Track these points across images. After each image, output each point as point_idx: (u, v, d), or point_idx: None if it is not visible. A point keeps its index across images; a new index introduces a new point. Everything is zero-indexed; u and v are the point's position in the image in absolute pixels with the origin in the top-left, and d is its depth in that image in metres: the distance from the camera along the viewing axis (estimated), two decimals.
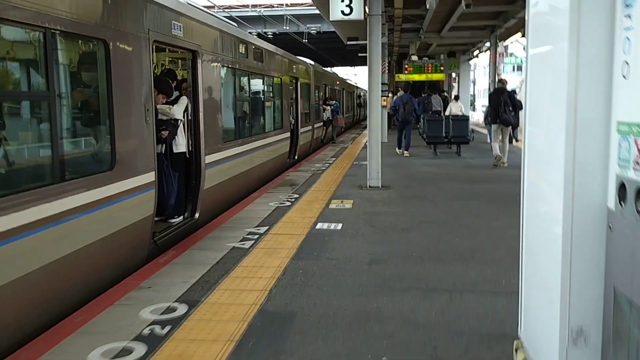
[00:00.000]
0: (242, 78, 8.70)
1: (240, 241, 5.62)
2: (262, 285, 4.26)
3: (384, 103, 17.91)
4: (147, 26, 5.02)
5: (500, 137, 11.86)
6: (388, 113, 18.33)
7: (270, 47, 10.71)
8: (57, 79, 3.86)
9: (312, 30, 25.44)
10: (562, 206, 2.24)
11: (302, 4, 25.23)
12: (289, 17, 24.15)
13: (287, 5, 24.63)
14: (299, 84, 13.38)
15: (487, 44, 22.69)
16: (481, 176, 10.32)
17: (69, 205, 3.85)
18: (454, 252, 5.22)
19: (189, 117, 6.42)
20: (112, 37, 4.39)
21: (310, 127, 15.24)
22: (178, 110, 6.30)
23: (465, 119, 14.35)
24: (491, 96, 12.38)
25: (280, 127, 11.24)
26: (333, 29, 23.22)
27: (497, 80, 14.47)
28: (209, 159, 6.68)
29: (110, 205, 4.40)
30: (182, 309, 3.79)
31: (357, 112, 33.37)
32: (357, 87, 36.29)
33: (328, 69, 27.89)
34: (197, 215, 6.49)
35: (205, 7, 17.06)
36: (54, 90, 3.71)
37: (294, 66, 12.90)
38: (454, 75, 34.50)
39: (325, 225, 6.30)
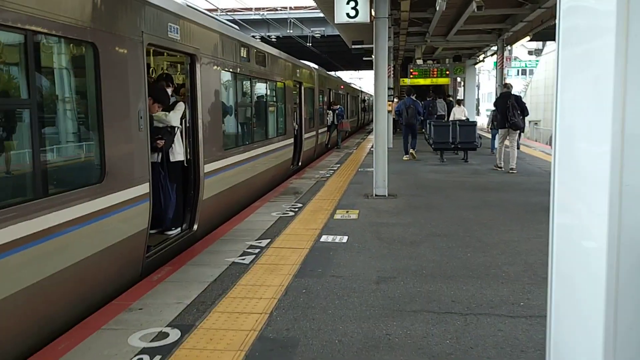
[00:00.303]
0: (243, 83, 8.42)
1: (240, 256, 5.32)
2: (262, 307, 3.96)
3: (389, 108, 17.65)
4: (141, 28, 4.74)
5: (507, 143, 11.76)
6: (393, 118, 18.25)
7: (273, 51, 10.44)
8: (39, 85, 3.58)
9: (316, 34, 25.17)
10: (607, 236, 1.92)
11: (306, 7, 24.97)
12: (292, 20, 23.91)
13: (290, 8, 24.39)
14: (302, 88, 13.10)
15: (493, 48, 22.41)
16: (490, 184, 10.00)
17: (53, 222, 3.56)
18: (466, 268, 4.90)
19: (187, 124, 6.14)
20: (102, 40, 4.11)
21: (314, 133, 14.95)
22: (174, 117, 6.02)
23: (472, 124, 14.04)
24: (498, 101, 12.26)
25: (283, 133, 10.96)
26: (337, 33, 22.96)
27: (502, 84, 14.18)
28: (208, 167, 6.39)
29: (100, 220, 4.11)
30: (174, 335, 3.49)
31: (361, 117, 33.08)
32: (362, 92, 36.02)
33: (332, 73, 27.56)
34: (195, 227, 6.20)
35: (208, 10, 16.85)
36: (35, 97, 3.42)
37: (298, 70, 12.63)
38: (459, 79, 34.31)
39: (330, 238, 6.00)
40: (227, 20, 20.86)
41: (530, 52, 57.93)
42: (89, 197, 3.94)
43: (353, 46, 16.38)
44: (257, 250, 5.50)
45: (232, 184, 7.39)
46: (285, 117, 11.14)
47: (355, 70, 54.12)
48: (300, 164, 13.01)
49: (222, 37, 7.06)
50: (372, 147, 16.69)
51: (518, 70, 59.80)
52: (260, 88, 9.49)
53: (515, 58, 46.78)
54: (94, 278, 4.15)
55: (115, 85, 4.32)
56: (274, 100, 10.55)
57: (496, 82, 18.20)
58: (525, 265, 4.97)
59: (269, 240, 5.92)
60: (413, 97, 14.38)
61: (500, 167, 11.85)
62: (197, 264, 5.12)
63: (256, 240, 5.93)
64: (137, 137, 4.68)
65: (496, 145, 13.44)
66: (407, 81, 27.57)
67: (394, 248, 5.61)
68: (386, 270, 4.84)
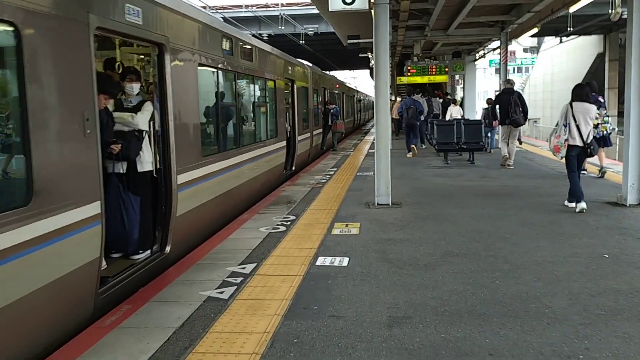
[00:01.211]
0: (226, 79, 7.44)
1: (218, 288, 4.35)
2: None
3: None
4: (86, 8, 3.76)
5: (509, 139, 11.71)
6: (392, 118, 17.80)
7: (262, 45, 9.47)
8: None
9: (310, 31, 24.20)
10: None
11: (298, 4, 23.98)
12: (284, 16, 22.91)
13: (282, 5, 23.39)
14: (295, 87, 12.13)
15: (494, 44, 21.55)
16: (503, 189, 9.05)
17: None
18: (498, 302, 3.94)
19: (156, 128, 5.17)
20: (26, 21, 3.14)
21: (308, 135, 13.99)
22: (142, 119, 5.06)
23: (478, 123, 13.12)
24: (500, 97, 12.03)
25: (274, 136, 9.99)
26: (331, 30, 22.03)
27: (505, 80, 13.67)
28: (182, 178, 5.42)
29: (27, 254, 3.13)
30: None
31: (357, 117, 32.16)
32: (358, 91, 35.14)
33: (328, 72, 26.56)
34: (168, 248, 5.23)
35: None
36: None
37: (290, 67, 11.66)
38: (457, 77, 33.44)
39: (327, 261, 5.04)
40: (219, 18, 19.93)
41: (525, 50, 57.30)
42: (6, 226, 2.96)
43: (349, 41, 15.41)
44: (239, 280, 4.52)
45: (213, 195, 6.41)
46: (276, 118, 10.16)
47: (351, 69, 53.26)
48: (294, 168, 12.06)
49: (198, 25, 6.08)
50: (370, 148, 15.78)
51: (514, 68, 59.18)
52: (247, 86, 8.52)
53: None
54: (19, 331, 3.17)
55: (47, 79, 3.34)
56: (263, 99, 9.57)
57: (500, 78, 17.28)
58: (570, 296, 4.02)
59: (254, 265, 4.95)
60: (414, 97, 14.76)
61: (507, 158, 11.59)
62: (164, 300, 4.14)
63: (239, 265, 4.95)
64: (81, 144, 3.70)
65: (499, 144, 13.37)
66: (405, 79, 26.69)
67: (405, 274, 4.64)
68: (399, 307, 3.88)
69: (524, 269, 4.69)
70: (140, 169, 5.07)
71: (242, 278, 4.57)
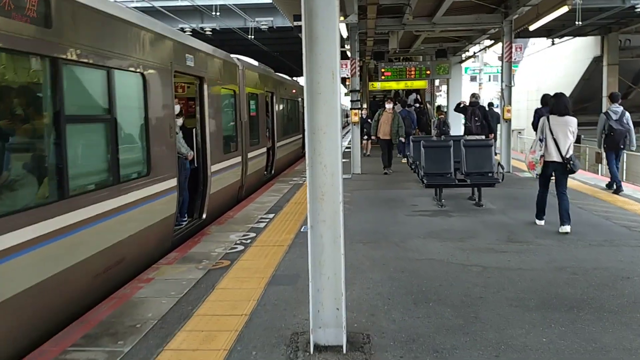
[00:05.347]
0: None
1: None
2: None
3: (356, 119, 12.56)
4: None
5: None
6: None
7: (126, 15, 5.03)
8: None
9: (263, 25, 19.85)
10: None
11: None
12: (230, 6, 18.48)
13: None
14: (206, 89, 7.72)
15: (486, 42, 17.66)
16: (563, 278, 4.80)
17: None
18: None
19: None
20: None
21: (239, 159, 9.57)
22: None
23: (487, 145, 8.84)
24: (466, 109, 12.35)
25: (143, 174, 5.54)
26: (289, 24, 17.75)
27: (471, 94, 12.44)
28: None
29: None
30: None
31: None
32: None
33: (289, 77, 22.03)
34: None
35: None
36: None
37: (192, 57, 7.24)
38: (437, 82, 29.60)
39: None
40: (144, 8, 15.38)
41: (500, 58, 54.50)
42: None
43: (295, 23, 11.18)
44: None
45: None
46: (149, 142, 5.69)
47: None
48: (204, 216, 7.64)
49: None
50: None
51: (490, 77, 56.73)
52: (74, 85, 3.99)
53: (486, 64, 42.89)
54: None
55: None
56: (126, 110, 5.05)
57: (502, 82, 13.24)
58: None
59: None
60: (408, 109, 14.60)
61: None
62: None
63: None
64: None
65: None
66: (378, 85, 22.60)
67: None
68: None
69: None
70: None
71: None
